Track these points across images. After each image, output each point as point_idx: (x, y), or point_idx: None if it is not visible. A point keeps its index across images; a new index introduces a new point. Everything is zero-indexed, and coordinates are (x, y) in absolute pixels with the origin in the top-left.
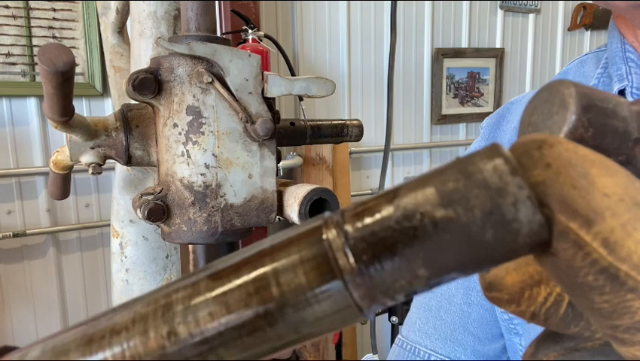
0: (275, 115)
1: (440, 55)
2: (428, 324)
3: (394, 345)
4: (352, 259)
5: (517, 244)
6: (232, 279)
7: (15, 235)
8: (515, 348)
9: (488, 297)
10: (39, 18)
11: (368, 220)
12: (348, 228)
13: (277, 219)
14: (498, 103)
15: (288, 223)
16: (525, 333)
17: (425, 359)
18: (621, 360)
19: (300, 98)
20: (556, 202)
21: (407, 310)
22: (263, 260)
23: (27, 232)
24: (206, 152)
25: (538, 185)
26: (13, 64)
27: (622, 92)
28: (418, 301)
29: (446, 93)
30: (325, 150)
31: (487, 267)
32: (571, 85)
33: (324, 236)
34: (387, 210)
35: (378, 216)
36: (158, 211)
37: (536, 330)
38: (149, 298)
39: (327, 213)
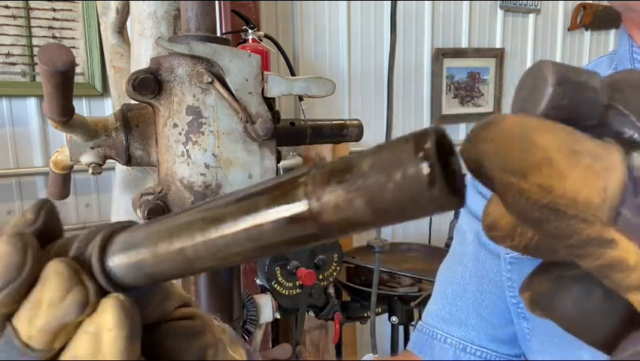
0: (275, 115)
1: (440, 55)
2: (445, 310)
3: (415, 331)
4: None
5: (423, 201)
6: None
7: None
8: (523, 333)
9: (489, 236)
10: (39, 18)
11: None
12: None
13: None
14: (497, 103)
15: None
16: (531, 317)
17: (442, 341)
18: (601, 289)
19: (300, 98)
20: (496, 167)
21: (407, 311)
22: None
23: None
24: (206, 152)
25: (484, 155)
26: (13, 64)
27: None
28: (436, 290)
29: (446, 93)
30: (325, 150)
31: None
32: (550, 64)
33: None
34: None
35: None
36: (158, 211)
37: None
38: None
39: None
